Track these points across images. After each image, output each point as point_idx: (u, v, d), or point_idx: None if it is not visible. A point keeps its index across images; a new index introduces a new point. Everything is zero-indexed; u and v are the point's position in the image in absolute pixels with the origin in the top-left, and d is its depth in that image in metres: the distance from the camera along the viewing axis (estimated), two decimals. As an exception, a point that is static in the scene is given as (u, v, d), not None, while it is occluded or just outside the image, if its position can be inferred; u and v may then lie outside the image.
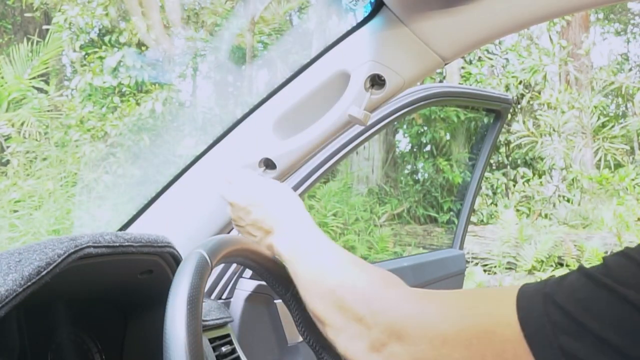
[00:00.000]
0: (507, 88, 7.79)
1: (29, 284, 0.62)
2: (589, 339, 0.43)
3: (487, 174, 7.53)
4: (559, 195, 7.62)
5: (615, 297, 0.43)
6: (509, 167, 8.25)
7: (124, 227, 1.10)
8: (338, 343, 0.63)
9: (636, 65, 11.67)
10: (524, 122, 7.62)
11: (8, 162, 5.87)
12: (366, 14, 0.96)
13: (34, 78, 6.17)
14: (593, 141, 7.81)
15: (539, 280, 0.50)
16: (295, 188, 1.25)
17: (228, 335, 1.03)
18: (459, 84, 7.53)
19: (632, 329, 0.42)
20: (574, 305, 0.44)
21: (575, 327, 0.43)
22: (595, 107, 7.74)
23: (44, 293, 0.64)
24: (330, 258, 0.70)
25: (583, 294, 0.45)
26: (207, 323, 0.97)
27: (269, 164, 1.02)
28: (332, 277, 0.66)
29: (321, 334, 0.91)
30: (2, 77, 6.01)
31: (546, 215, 7.36)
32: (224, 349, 0.99)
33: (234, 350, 1.01)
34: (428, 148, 8.04)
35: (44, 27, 6.89)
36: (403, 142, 8.39)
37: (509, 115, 7.50)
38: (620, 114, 9.59)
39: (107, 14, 6.52)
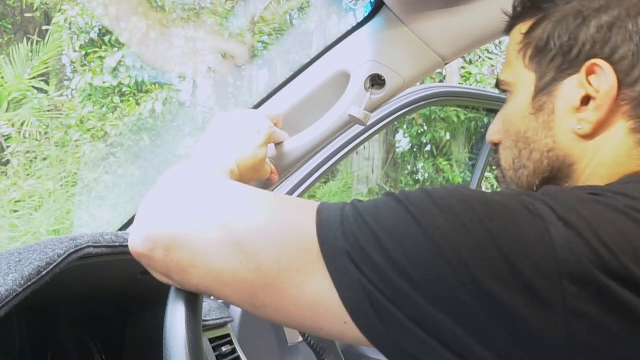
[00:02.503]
0: (507, 88, 7.78)
1: (29, 284, 0.62)
2: (369, 234, 0.46)
3: (487, 174, 7.52)
4: (559, 195, 7.62)
5: (401, 210, 0.46)
6: (509, 167, 8.24)
7: (124, 227, 1.10)
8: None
9: (636, 65, 11.67)
10: (524, 122, 7.61)
11: (8, 162, 5.87)
12: (366, 14, 0.96)
13: (34, 78, 6.17)
14: (593, 141, 7.80)
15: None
16: (296, 188, 1.26)
17: (228, 335, 1.03)
18: (459, 84, 7.54)
19: (405, 242, 0.44)
20: (365, 207, 0.48)
21: (360, 221, 0.47)
22: (595, 107, 7.73)
23: (44, 293, 0.64)
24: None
25: (376, 202, 0.48)
26: (207, 323, 0.97)
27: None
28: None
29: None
30: (2, 77, 6.01)
31: (546, 215, 7.35)
32: (224, 349, 0.99)
33: (234, 350, 1.01)
34: (428, 148, 8.04)
35: (44, 27, 6.89)
36: (403, 142, 8.39)
37: (509, 115, 7.47)
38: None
39: (107, 14, 6.52)
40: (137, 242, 0.57)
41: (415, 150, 8.15)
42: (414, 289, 0.44)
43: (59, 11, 6.57)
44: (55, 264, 0.65)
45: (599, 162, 0.58)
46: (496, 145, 0.69)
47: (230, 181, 0.59)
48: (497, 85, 0.70)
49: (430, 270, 0.43)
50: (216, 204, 0.55)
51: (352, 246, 0.46)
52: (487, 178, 7.92)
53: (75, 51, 6.72)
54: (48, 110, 6.27)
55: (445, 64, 1.01)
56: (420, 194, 0.48)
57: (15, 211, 5.23)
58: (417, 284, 0.43)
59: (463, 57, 7.61)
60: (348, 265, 0.46)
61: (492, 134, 0.71)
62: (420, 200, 0.47)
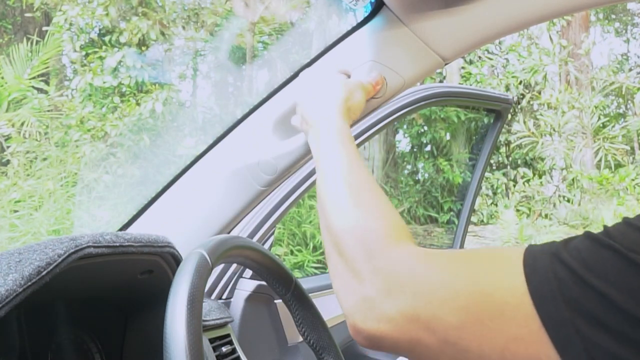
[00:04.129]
0: (507, 88, 7.80)
1: (29, 284, 0.62)
2: (593, 295, 0.44)
3: (487, 174, 7.53)
4: (559, 196, 7.63)
5: (619, 257, 0.44)
6: (509, 167, 8.25)
7: (124, 227, 1.09)
8: (333, 285, 0.61)
9: (636, 65, 11.66)
10: (524, 122, 7.62)
11: (8, 162, 5.87)
12: (366, 14, 0.96)
13: (34, 78, 6.17)
14: (593, 141, 7.81)
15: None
16: (296, 188, 1.25)
17: (228, 335, 1.03)
18: (459, 84, 7.54)
19: (634, 287, 0.43)
20: (579, 263, 0.46)
21: (580, 283, 0.45)
22: (596, 107, 7.75)
23: (44, 293, 0.64)
24: (346, 180, 0.67)
25: (587, 254, 0.46)
26: (207, 323, 0.97)
27: None
28: (338, 211, 0.63)
29: (321, 334, 0.91)
30: (2, 77, 6.01)
31: (546, 216, 7.36)
32: (224, 349, 0.98)
33: (234, 351, 1.01)
34: (428, 148, 8.04)
35: (44, 27, 6.89)
36: (403, 142, 8.39)
37: (509, 116, 7.50)
38: (622, 112, 9.59)
39: (107, 14, 6.52)
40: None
41: (415, 150, 8.15)
42: None
43: (60, 10, 6.56)
44: (55, 264, 0.65)
45: None
46: None
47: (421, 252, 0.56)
48: None
49: None
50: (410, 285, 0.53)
51: (579, 314, 0.44)
52: (487, 178, 7.92)
53: (75, 51, 6.72)
54: (48, 110, 6.27)
55: (446, 64, 1.01)
56: (623, 228, 0.46)
57: (15, 211, 5.23)
58: None
59: (463, 57, 7.61)
60: (575, 337, 0.44)
61: None
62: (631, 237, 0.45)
